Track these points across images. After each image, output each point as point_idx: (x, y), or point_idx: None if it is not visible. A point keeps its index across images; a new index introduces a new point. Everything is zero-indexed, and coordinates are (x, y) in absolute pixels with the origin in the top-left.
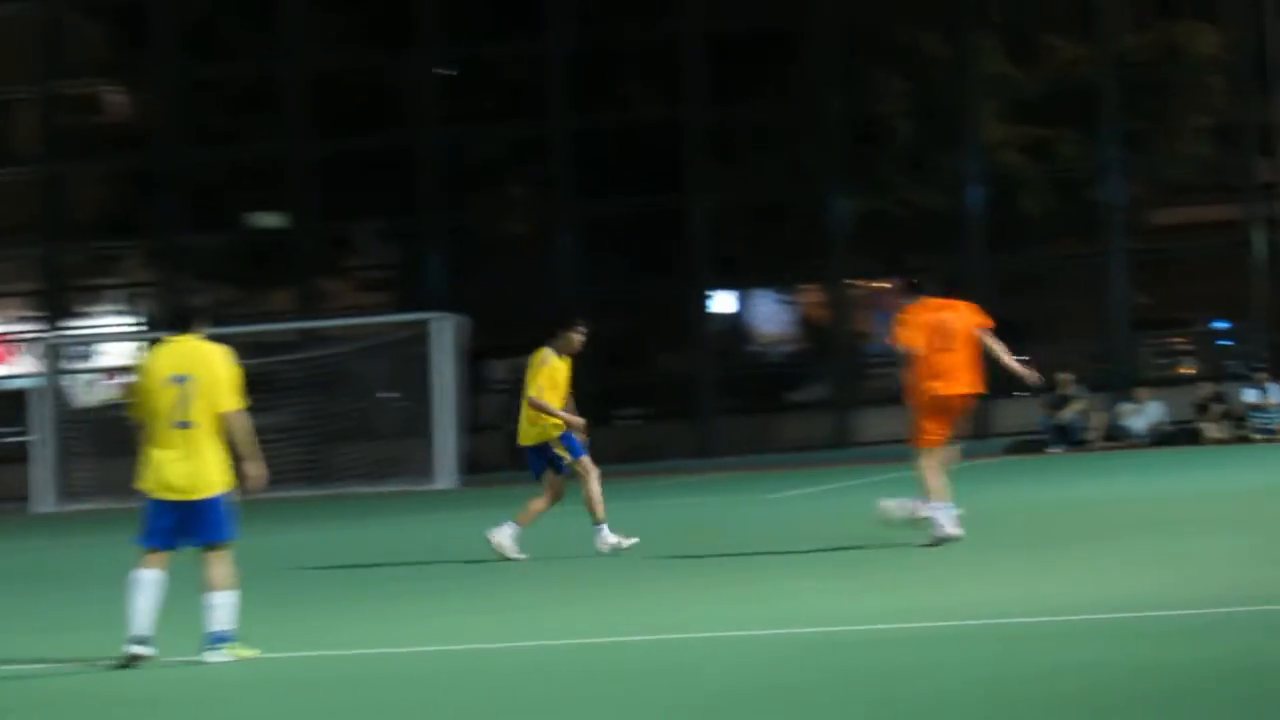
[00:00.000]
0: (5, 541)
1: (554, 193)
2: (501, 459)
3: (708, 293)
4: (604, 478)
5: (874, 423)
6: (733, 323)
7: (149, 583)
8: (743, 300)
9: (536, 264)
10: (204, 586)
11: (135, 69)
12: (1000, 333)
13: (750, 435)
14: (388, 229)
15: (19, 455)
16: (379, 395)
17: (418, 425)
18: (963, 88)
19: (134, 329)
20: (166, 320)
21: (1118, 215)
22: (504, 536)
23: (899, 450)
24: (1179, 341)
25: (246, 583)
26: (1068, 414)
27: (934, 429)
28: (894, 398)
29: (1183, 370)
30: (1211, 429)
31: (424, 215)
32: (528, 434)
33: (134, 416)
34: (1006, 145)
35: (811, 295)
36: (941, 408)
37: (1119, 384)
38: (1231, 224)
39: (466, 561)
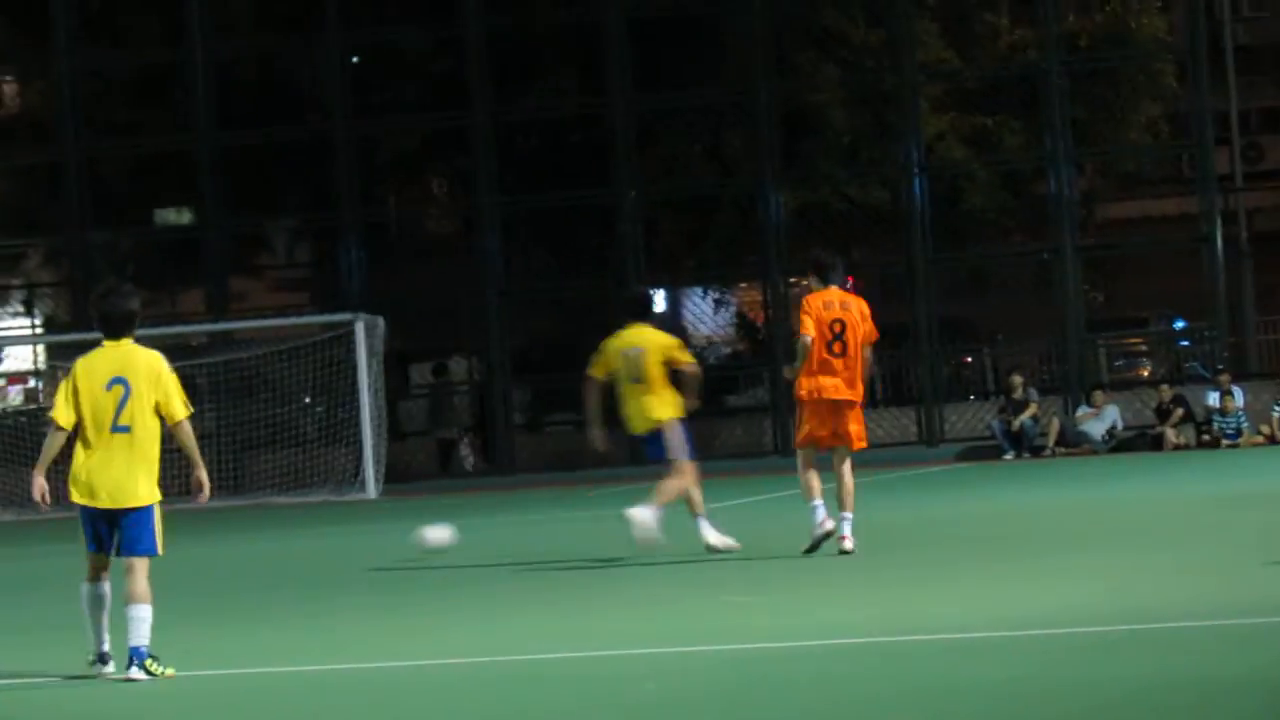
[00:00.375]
0: None
1: (474, 187)
2: (427, 467)
3: (639, 290)
4: (532, 486)
5: None
6: (666, 323)
7: (98, 597)
8: (676, 299)
9: (458, 262)
10: (126, 598)
11: (31, 58)
12: (950, 333)
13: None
14: (301, 225)
15: None
16: (299, 400)
17: (339, 432)
18: (899, 75)
19: (35, 331)
20: (102, 323)
21: (1068, 209)
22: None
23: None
24: (1136, 342)
25: (170, 596)
26: (1021, 419)
27: (812, 428)
28: None
29: (1141, 372)
30: (1173, 434)
31: (339, 211)
32: (645, 420)
33: (59, 421)
34: (948, 136)
35: (748, 294)
36: (820, 408)
37: (1074, 387)
38: (1187, 218)
39: (382, 571)
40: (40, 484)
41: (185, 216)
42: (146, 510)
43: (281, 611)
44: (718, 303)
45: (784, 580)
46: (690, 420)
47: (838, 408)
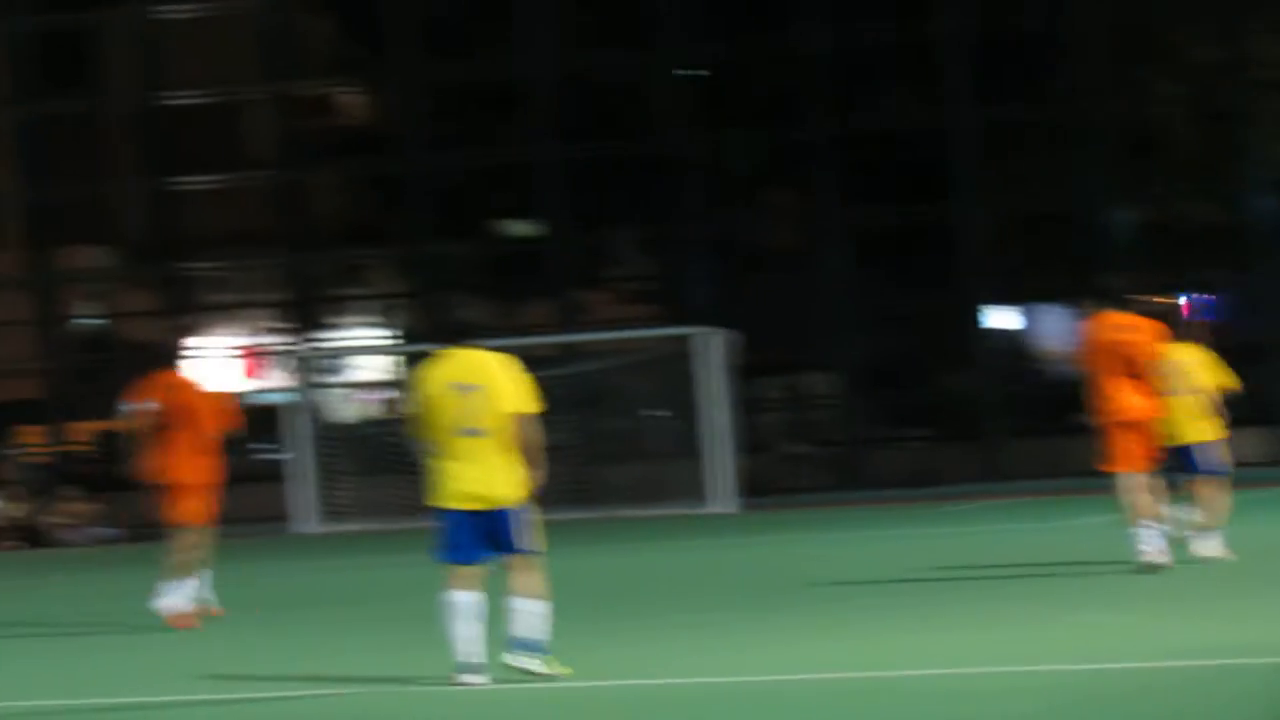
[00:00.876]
0: (287, 562)
1: (821, 200)
2: (781, 480)
3: (984, 307)
4: (885, 503)
5: None
6: (1014, 339)
7: (466, 607)
8: (1023, 315)
9: (806, 275)
10: (510, 591)
11: (374, 70)
12: None
13: (1039, 458)
14: (648, 238)
15: (273, 473)
16: (646, 413)
17: (688, 445)
18: (1243, 91)
19: (386, 341)
20: (441, 333)
21: None
22: (1209, 546)
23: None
24: None
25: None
26: None
27: (1126, 451)
28: None
29: None
30: None
31: (686, 224)
32: (1200, 430)
33: (413, 432)
34: None
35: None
36: (1126, 431)
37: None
38: None
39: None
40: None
41: (531, 229)
42: (519, 509)
43: (654, 623)
44: (1066, 319)
45: (1150, 599)
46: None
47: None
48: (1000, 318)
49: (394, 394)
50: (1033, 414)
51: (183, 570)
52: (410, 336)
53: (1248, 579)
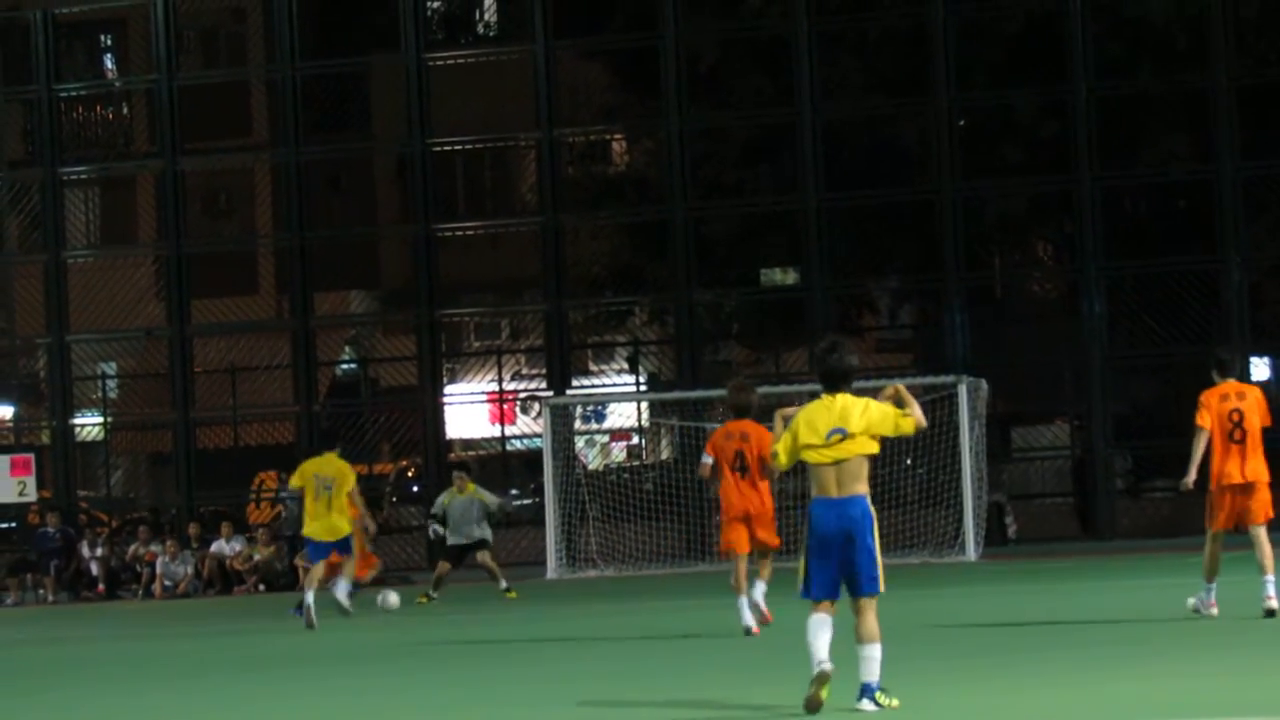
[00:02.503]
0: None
1: (1079, 250)
2: (1031, 529)
3: (1242, 358)
4: (1131, 553)
5: None
6: (1273, 390)
7: (822, 622)
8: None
9: (1062, 326)
10: (858, 638)
11: (641, 117)
12: None
13: None
14: (906, 287)
15: (533, 519)
16: (900, 462)
17: (940, 494)
18: None
19: (639, 388)
20: (824, 377)
21: None
22: None
23: None
24: None
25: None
26: None
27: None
28: None
29: None
30: None
31: (944, 273)
32: None
33: (776, 464)
34: None
35: None
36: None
37: None
38: None
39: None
40: None
41: (790, 277)
42: (872, 548)
43: (955, 664)
44: None
45: None
46: None
47: (1244, 490)
48: (1258, 369)
49: (640, 441)
50: None
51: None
52: (663, 383)
53: None
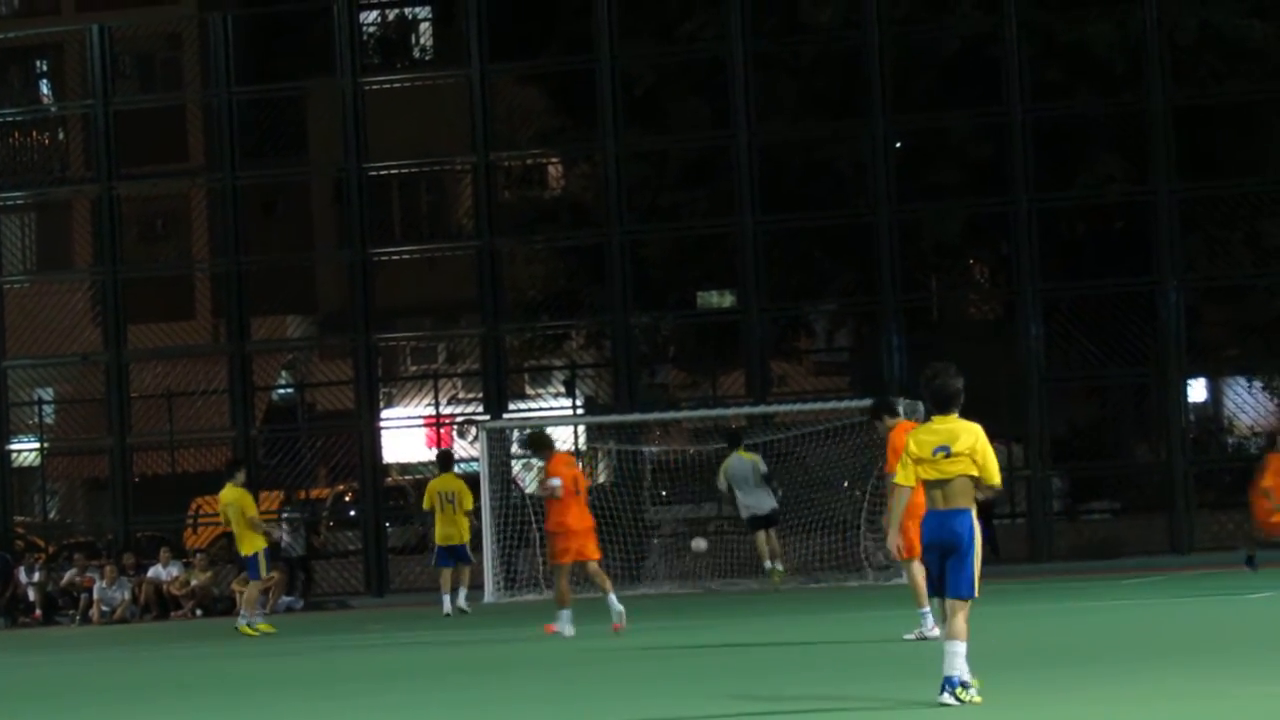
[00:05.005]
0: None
1: (1016, 272)
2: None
3: (1179, 380)
4: (1071, 574)
5: None
6: (1208, 411)
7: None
8: (1218, 387)
9: (999, 348)
10: (946, 634)
11: (578, 141)
12: None
13: (1228, 531)
14: (843, 310)
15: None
16: (838, 485)
17: (877, 518)
18: None
19: (575, 412)
20: (933, 399)
21: None
22: None
23: None
24: None
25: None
26: None
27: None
28: None
29: None
30: None
31: (880, 296)
32: None
33: (902, 482)
34: None
35: None
36: None
37: None
38: None
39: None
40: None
41: (727, 299)
42: (970, 556)
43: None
44: (1261, 392)
45: None
46: None
47: None
48: (1194, 389)
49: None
50: (1221, 487)
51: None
52: (599, 407)
53: None
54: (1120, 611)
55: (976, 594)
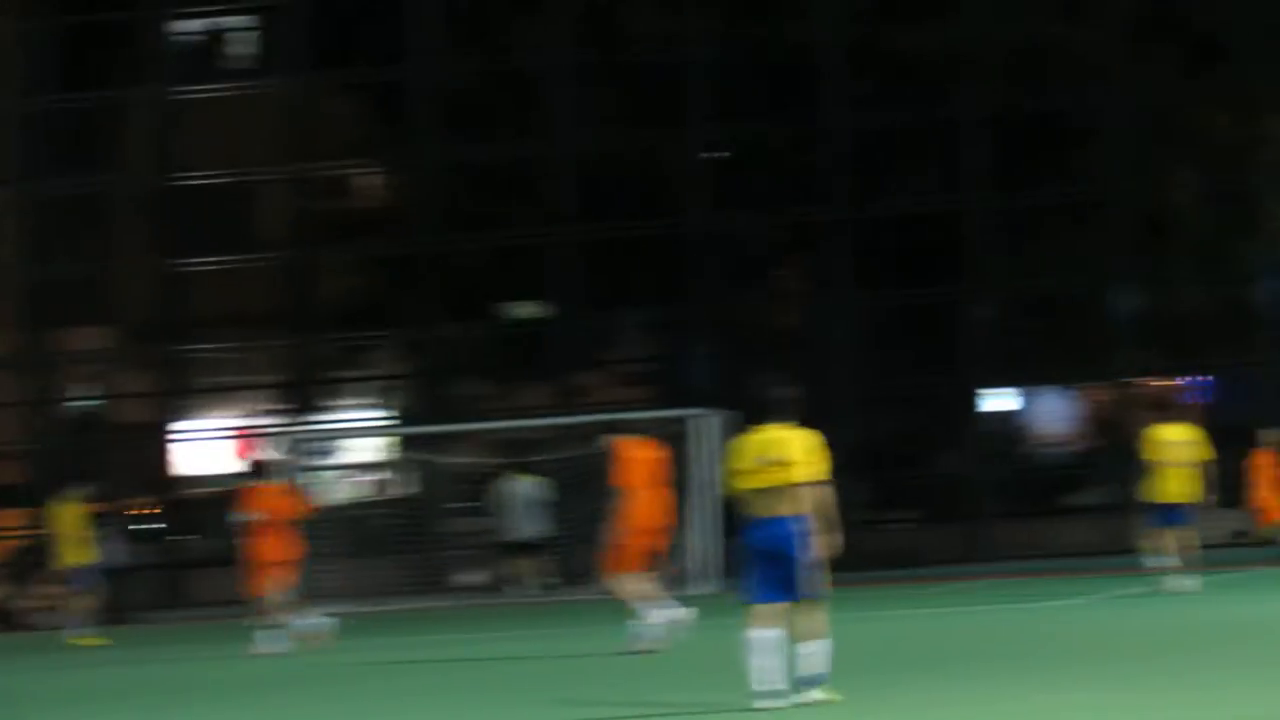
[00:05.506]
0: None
1: (827, 282)
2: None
3: (985, 390)
4: (870, 584)
5: None
6: (1012, 421)
7: (765, 642)
8: (1022, 398)
9: (808, 358)
10: (795, 636)
11: (390, 151)
12: None
13: (1026, 540)
14: (652, 320)
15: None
16: None
17: (686, 526)
18: (1258, 173)
19: (385, 422)
20: (761, 408)
21: None
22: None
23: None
24: None
25: None
26: None
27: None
28: None
29: None
30: None
31: (690, 306)
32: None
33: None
34: None
35: (1094, 393)
36: None
37: None
38: None
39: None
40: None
41: (535, 311)
42: (805, 557)
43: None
44: (1064, 401)
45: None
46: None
47: None
48: (1000, 400)
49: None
50: (1021, 496)
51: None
52: (410, 418)
53: (1225, 654)
54: (920, 620)
55: (825, 592)
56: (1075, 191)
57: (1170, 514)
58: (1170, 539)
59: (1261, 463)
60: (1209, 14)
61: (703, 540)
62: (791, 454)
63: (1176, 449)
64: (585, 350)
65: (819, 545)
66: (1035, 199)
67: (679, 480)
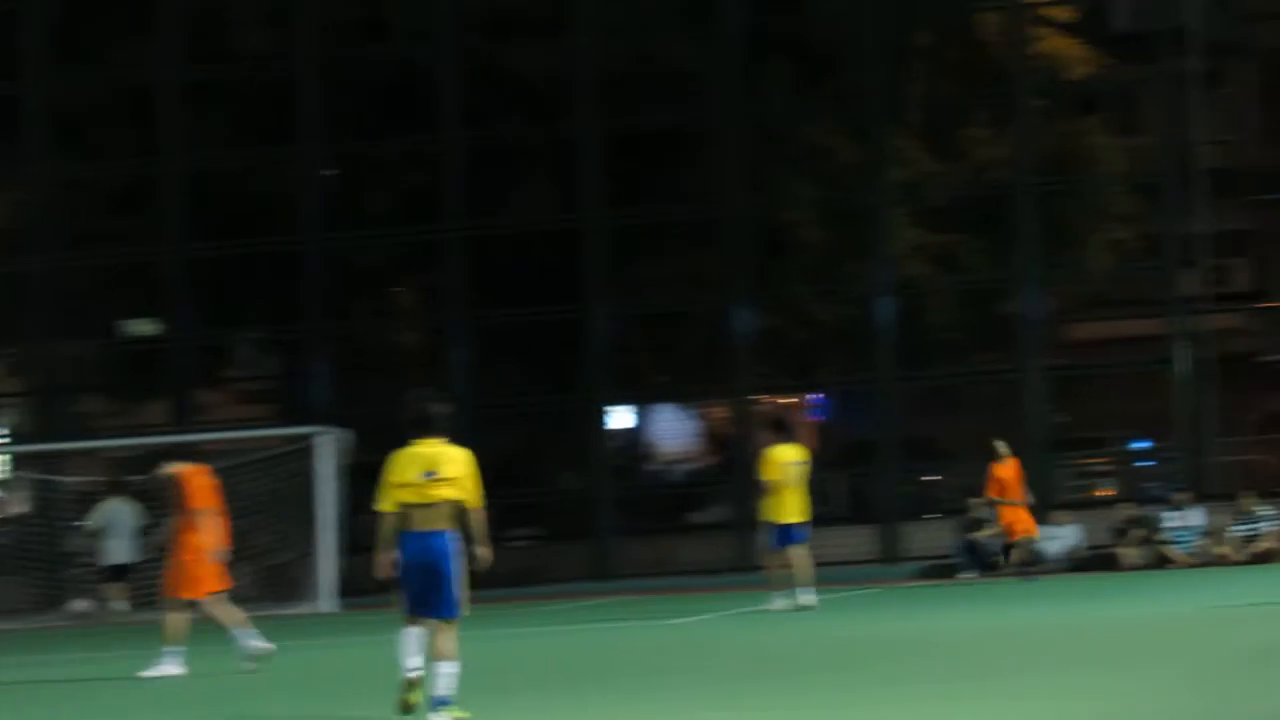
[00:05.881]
0: None
1: (444, 300)
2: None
3: (606, 407)
4: (493, 602)
5: None
6: (632, 439)
7: (412, 634)
8: (643, 415)
9: (426, 375)
10: (433, 655)
11: (2, 167)
12: (913, 452)
13: (649, 557)
14: (269, 338)
15: None
16: (260, 513)
17: (298, 545)
18: (874, 193)
19: None
20: (415, 423)
21: (1034, 329)
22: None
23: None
24: (1098, 462)
25: None
26: (978, 535)
27: None
28: None
29: (1101, 492)
30: (1129, 553)
31: (307, 324)
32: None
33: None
34: (917, 254)
35: (715, 410)
36: None
37: (1036, 507)
38: (1153, 339)
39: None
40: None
41: (152, 327)
42: (451, 577)
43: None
44: (684, 419)
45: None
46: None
47: None
48: (619, 417)
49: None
50: (643, 514)
51: None
52: (23, 436)
53: (841, 672)
54: (546, 638)
55: (465, 614)
56: (693, 209)
57: (788, 533)
58: (791, 557)
59: (1002, 475)
60: (821, 29)
61: (324, 559)
62: (452, 470)
63: (791, 469)
64: (203, 367)
65: (480, 559)
66: (653, 216)
67: (303, 497)
